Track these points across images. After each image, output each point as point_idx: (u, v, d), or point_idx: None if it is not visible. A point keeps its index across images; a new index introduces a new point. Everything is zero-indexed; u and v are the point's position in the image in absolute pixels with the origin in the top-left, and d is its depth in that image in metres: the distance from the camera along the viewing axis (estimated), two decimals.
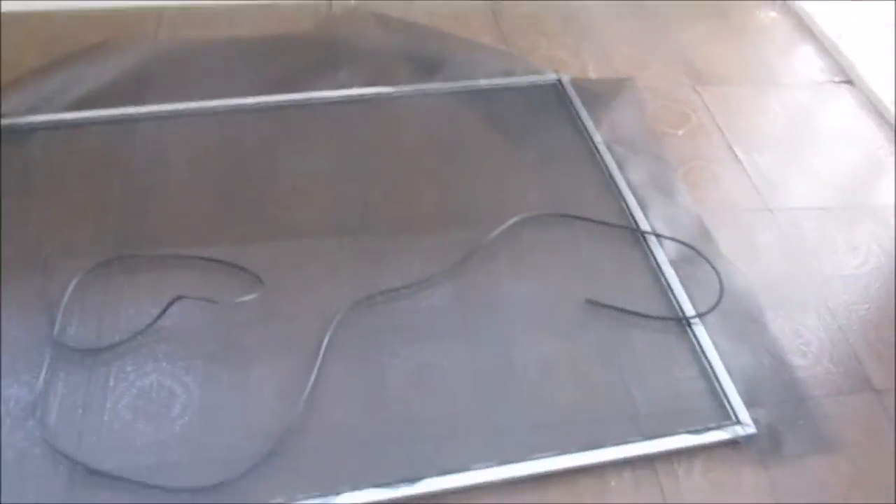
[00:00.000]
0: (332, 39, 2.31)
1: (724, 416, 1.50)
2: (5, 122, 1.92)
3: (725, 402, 1.52)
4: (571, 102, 2.17)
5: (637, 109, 2.19)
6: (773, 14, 2.66)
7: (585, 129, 2.09)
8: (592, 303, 1.66)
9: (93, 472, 1.32)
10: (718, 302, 1.68)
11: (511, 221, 1.80)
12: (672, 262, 1.76)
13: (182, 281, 1.62)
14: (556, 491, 1.38)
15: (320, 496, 1.32)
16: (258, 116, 2.04)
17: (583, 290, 1.69)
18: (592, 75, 2.31)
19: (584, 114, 2.13)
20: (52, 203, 1.77)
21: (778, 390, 1.56)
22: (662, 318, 1.66)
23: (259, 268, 1.65)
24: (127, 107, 2.01)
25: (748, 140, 2.14)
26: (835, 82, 2.39)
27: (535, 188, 1.92)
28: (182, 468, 1.35)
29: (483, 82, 2.21)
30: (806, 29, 2.60)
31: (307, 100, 2.10)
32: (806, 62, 2.47)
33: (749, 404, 1.51)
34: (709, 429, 1.47)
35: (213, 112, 2.03)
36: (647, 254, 1.79)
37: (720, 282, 1.71)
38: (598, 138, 2.05)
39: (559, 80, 2.24)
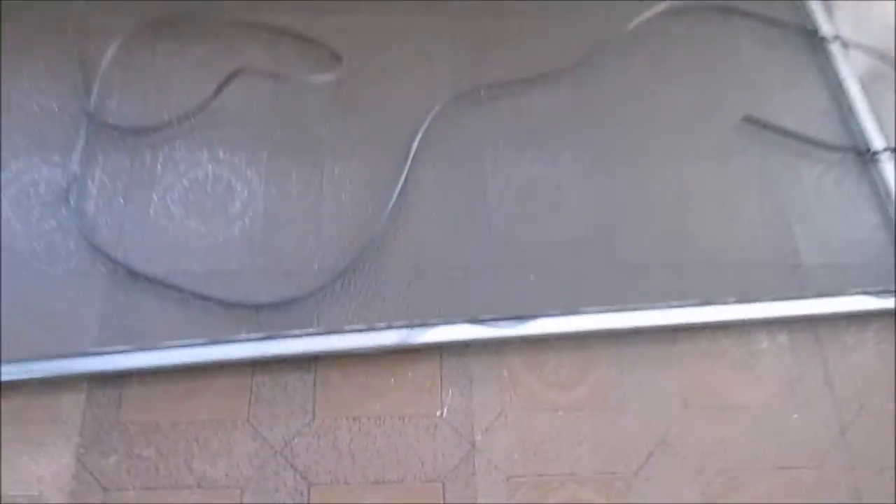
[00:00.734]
0: None
1: None
2: None
3: None
4: None
5: None
6: None
7: None
8: (751, 121, 1.31)
9: (135, 276, 1.11)
10: None
11: (655, 10, 1.41)
12: (859, 79, 1.37)
13: (246, 53, 1.32)
14: (690, 349, 1.12)
15: (404, 326, 1.09)
16: None
17: (740, 104, 1.33)
18: None
19: None
20: None
21: None
22: (840, 149, 1.30)
23: (338, 43, 1.32)
24: None
25: None
26: None
27: None
28: (240, 279, 1.12)
29: None
30: None
31: None
32: None
33: None
34: (890, 292, 1.17)
35: None
36: (827, 65, 1.39)
37: None
38: None
39: None
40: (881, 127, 1.32)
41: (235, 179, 1.19)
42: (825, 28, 1.43)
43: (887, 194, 1.25)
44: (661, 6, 1.41)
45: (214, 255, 1.13)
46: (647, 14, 1.40)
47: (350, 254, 1.14)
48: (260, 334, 1.07)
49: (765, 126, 1.31)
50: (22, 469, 1.00)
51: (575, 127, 1.29)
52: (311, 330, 1.08)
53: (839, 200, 1.26)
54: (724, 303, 1.14)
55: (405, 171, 1.20)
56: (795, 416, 1.08)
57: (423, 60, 1.34)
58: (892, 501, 1.03)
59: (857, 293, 1.16)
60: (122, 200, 1.17)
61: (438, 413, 1.06)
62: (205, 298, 1.09)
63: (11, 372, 1.03)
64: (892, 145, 1.30)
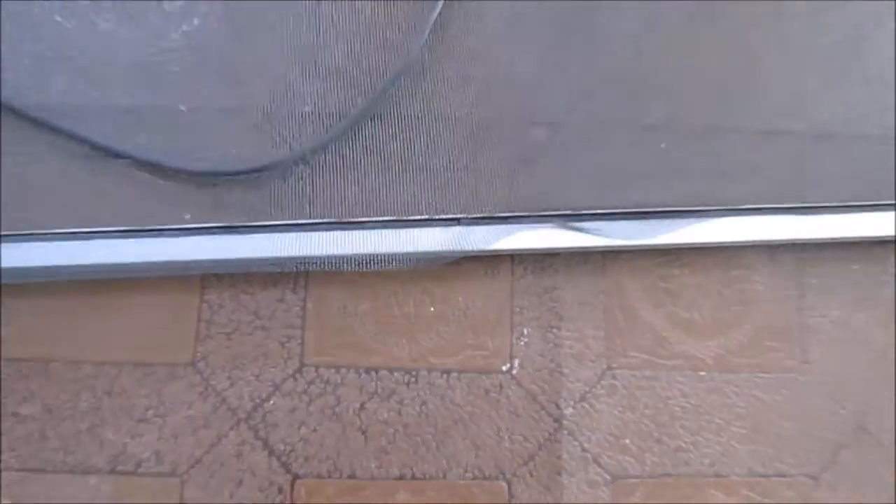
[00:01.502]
0: None
1: None
2: None
3: None
4: None
5: None
6: None
7: None
8: None
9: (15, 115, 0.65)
10: None
11: None
12: None
13: None
14: None
15: (451, 222, 0.65)
16: None
17: None
18: None
19: None
20: None
21: None
22: None
23: None
24: None
25: None
26: None
27: None
28: (182, 127, 0.66)
29: None
30: None
31: None
32: None
33: None
34: None
35: None
36: None
37: None
38: None
39: None
40: None
41: None
42: None
43: None
44: None
45: (139, 80, 0.67)
46: None
47: (367, 91, 0.67)
48: (215, 223, 0.64)
49: None
50: None
51: None
52: (298, 220, 0.64)
53: None
54: None
55: None
56: None
57: None
58: None
59: None
60: None
61: (505, 367, 0.65)
62: (123, 157, 0.64)
63: None
64: None
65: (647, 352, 0.66)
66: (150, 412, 0.63)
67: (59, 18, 0.68)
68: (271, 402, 0.64)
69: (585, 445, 0.64)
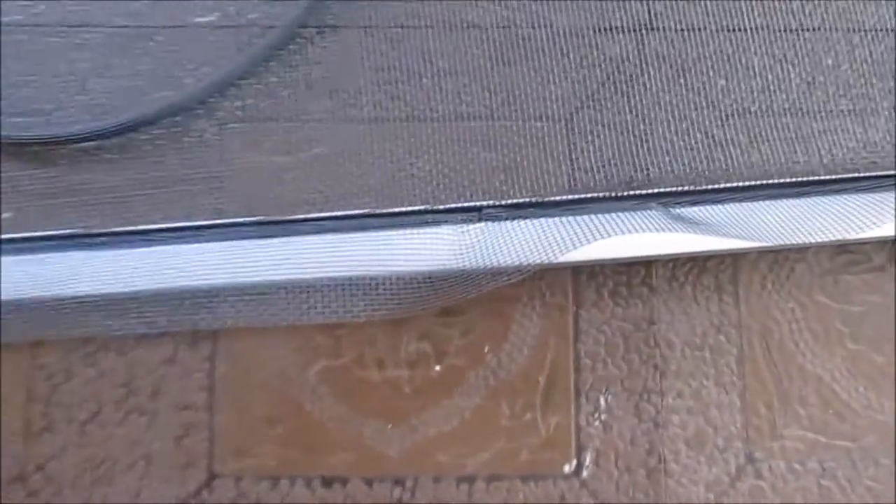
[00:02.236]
0: None
1: None
2: None
3: None
4: None
5: None
6: None
7: None
8: None
9: None
10: None
11: None
12: None
13: None
14: None
15: (466, 217, 0.37)
16: None
17: None
18: None
19: None
20: None
21: None
22: None
23: None
24: None
25: None
26: None
27: None
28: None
29: None
30: None
31: None
32: None
33: None
34: None
35: None
36: None
37: None
38: None
39: None
40: None
41: None
42: None
43: None
44: None
45: None
46: None
47: None
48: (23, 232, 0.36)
49: None
50: None
51: None
52: (175, 223, 0.36)
53: None
54: None
55: None
56: None
57: None
58: None
59: None
60: None
61: (569, 467, 0.37)
62: None
63: None
64: None
65: (815, 427, 0.38)
66: None
67: None
68: None
69: None
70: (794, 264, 0.39)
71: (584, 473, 0.37)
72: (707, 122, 0.39)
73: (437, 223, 0.36)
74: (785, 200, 0.37)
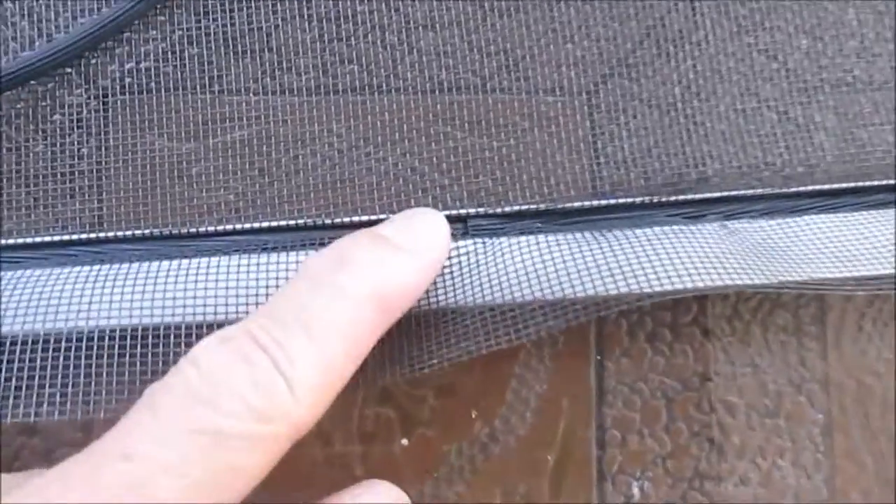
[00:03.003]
0: None
1: None
2: None
3: None
4: None
5: None
6: None
7: None
8: None
9: None
10: None
11: None
12: None
13: None
14: None
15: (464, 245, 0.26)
16: None
17: None
18: None
19: None
20: None
21: None
22: None
23: None
24: None
25: None
26: None
27: None
28: None
29: None
30: None
31: None
32: None
33: None
34: None
35: None
36: None
37: None
38: None
39: None
40: None
41: None
42: None
43: None
44: None
45: None
46: None
47: None
48: None
49: None
50: None
51: None
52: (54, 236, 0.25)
53: None
54: None
55: None
56: None
57: None
58: None
59: None
60: None
61: None
62: None
63: None
64: None
65: None
66: None
67: None
68: None
69: None
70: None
71: None
72: (786, 99, 0.28)
73: None
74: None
